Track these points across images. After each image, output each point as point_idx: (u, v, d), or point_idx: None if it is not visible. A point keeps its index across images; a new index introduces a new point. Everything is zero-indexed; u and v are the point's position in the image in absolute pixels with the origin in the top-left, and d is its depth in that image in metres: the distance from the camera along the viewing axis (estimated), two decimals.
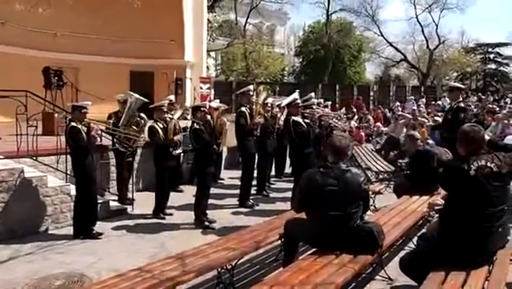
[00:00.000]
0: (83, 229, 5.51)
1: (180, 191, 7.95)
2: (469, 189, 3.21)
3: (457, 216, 3.27)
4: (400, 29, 69.20)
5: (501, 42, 35.23)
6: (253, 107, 7.31)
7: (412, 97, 21.50)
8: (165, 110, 6.79)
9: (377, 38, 34.64)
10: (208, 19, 20.50)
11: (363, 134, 13.04)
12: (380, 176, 8.49)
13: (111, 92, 8.41)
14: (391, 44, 34.54)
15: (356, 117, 15.32)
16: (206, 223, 5.96)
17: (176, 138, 6.62)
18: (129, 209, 6.73)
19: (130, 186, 7.06)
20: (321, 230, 3.50)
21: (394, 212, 4.84)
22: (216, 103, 7.92)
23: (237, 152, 8.64)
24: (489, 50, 35.56)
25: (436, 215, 3.90)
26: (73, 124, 5.57)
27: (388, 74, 38.04)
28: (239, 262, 3.86)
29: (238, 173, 7.65)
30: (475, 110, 13.38)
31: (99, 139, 5.98)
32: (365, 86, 27.63)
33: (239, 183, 7.42)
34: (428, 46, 33.96)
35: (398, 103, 18.95)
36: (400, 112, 14.11)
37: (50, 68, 10.39)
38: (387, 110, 18.23)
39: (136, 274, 3.19)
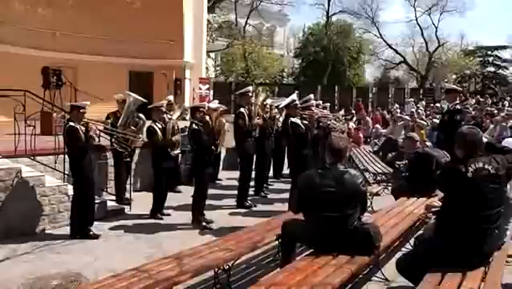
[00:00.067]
0: (81, 229, 5.50)
1: (178, 191, 7.95)
2: (467, 191, 3.22)
3: (454, 218, 3.28)
4: (399, 31, 69.37)
5: (500, 46, 35.39)
6: (252, 108, 7.32)
7: (412, 99, 21.54)
8: (164, 110, 6.80)
9: (377, 41, 34.79)
10: (208, 20, 20.51)
11: (361, 136, 13.06)
12: (378, 177, 8.49)
13: (110, 92, 8.41)
14: (390, 46, 34.63)
15: (355, 119, 15.34)
16: (204, 224, 5.96)
17: (174, 139, 6.63)
18: (127, 209, 6.72)
19: (128, 186, 7.05)
20: (318, 231, 3.51)
21: (391, 213, 4.84)
22: (215, 104, 7.92)
23: (236, 153, 8.63)
24: (488, 53, 35.69)
25: (434, 217, 3.90)
26: (71, 123, 5.56)
27: (387, 76, 38.11)
28: (236, 262, 3.86)
29: (236, 174, 7.65)
30: (473, 112, 13.42)
31: (97, 139, 5.98)
32: (364, 88, 27.64)
33: (237, 184, 7.42)
34: (427, 49, 34.05)
35: (397, 105, 19.00)
36: (399, 114, 14.14)
37: (48, 68, 10.37)
38: (385, 112, 18.26)
39: (133, 274, 3.18)
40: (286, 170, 9.19)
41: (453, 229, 3.26)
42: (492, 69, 35.92)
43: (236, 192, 7.31)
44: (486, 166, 3.21)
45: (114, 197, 7.06)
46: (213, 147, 6.45)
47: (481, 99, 19.81)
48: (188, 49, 16.25)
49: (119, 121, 6.95)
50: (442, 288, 2.96)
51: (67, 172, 6.27)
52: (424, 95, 24.41)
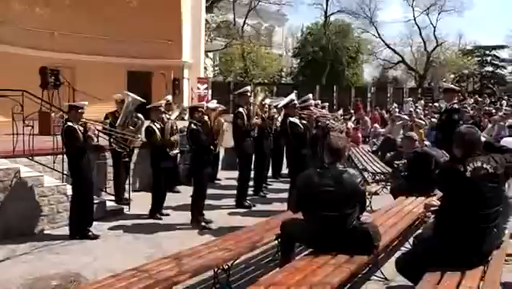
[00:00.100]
0: (80, 229, 5.49)
1: (177, 191, 7.94)
2: (465, 190, 3.22)
3: (453, 217, 3.29)
4: (397, 31, 69.39)
5: (499, 45, 35.48)
6: (251, 107, 7.32)
7: (411, 99, 21.57)
8: (162, 110, 6.79)
9: (375, 40, 34.83)
10: (206, 20, 20.52)
11: (360, 135, 13.07)
12: (377, 177, 8.49)
13: (108, 92, 8.40)
14: (388, 46, 34.67)
15: (353, 118, 15.35)
16: (203, 223, 5.96)
17: (173, 138, 6.62)
18: (126, 209, 6.71)
19: (127, 186, 7.04)
20: (317, 231, 3.51)
21: (390, 213, 4.85)
22: (213, 104, 7.92)
23: (235, 153, 8.63)
24: (487, 52, 35.78)
25: (433, 216, 3.91)
26: (69, 123, 5.54)
27: (385, 76, 38.15)
28: (236, 262, 3.86)
29: (235, 174, 7.65)
30: (471, 112, 13.44)
31: (95, 139, 5.97)
32: (363, 87, 27.67)
33: (236, 183, 7.42)
34: (425, 49, 34.11)
35: (395, 105, 19.02)
36: (397, 114, 14.16)
37: (46, 68, 10.36)
38: (384, 111, 18.28)
39: (133, 274, 3.18)
40: (284, 170, 9.19)
41: (452, 229, 3.27)
42: (490, 69, 36.03)
43: (235, 192, 7.31)
44: (485, 165, 3.22)
45: (113, 198, 7.05)
46: (211, 147, 6.46)
47: (480, 99, 19.87)
48: (187, 49, 16.26)
49: (118, 121, 6.93)
50: (441, 287, 2.97)
51: (65, 173, 6.25)
52: (422, 94, 24.46)
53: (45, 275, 4.27)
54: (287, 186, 7.06)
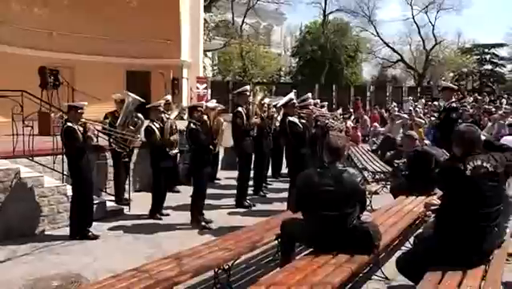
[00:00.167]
0: (80, 229, 5.49)
1: (177, 191, 7.93)
2: (465, 189, 3.22)
3: (453, 216, 3.29)
4: (396, 29, 69.48)
5: (497, 43, 35.51)
6: (250, 107, 7.31)
7: (411, 97, 21.58)
8: (162, 110, 6.78)
9: (374, 39, 34.88)
10: (204, 19, 20.50)
11: (359, 134, 13.07)
12: (377, 176, 8.50)
13: (108, 92, 8.38)
14: (387, 45, 34.71)
15: (353, 117, 15.34)
16: (203, 223, 5.96)
17: (172, 138, 6.61)
18: (126, 209, 6.71)
19: (127, 186, 7.04)
20: (318, 230, 3.51)
21: (390, 212, 4.85)
22: (212, 104, 7.90)
23: (234, 153, 8.63)
24: (486, 50, 35.80)
25: (433, 215, 3.91)
26: (69, 124, 5.54)
27: (384, 74, 38.15)
28: (236, 262, 3.86)
29: (235, 174, 7.65)
30: (471, 110, 13.45)
31: (95, 139, 5.96)
32: (362, 86, 27.67)
33: (236, 183, 7.42)
34: (424, 47, 34.14)
35: (395, 104, 19.02)
36: (397, 113, 14.16)
37: (45, 68, 10.34)
38: (383, 110, 18.28)
39: (133, 274, 3.18)
40: (284, 169, 9.19)
41: (453, 228, 3.27)
42: (489, 67, 36.05)
43: (235, 191, 7.30)
44: (485, 164, 3.21)
45: (113, 198, 7.04)
46: (211, 146, 6.45)
47: (479, 97, 19.86)
48: (185, 48, 16.23)
49: (118, 121, 6.93)
50: (442, 287, 2.96)
51: (65, 173, 6.25)
52: (421, 93, 24.47)
53: (46, 276, 4.27)
54: (287, 186, 7.05)
